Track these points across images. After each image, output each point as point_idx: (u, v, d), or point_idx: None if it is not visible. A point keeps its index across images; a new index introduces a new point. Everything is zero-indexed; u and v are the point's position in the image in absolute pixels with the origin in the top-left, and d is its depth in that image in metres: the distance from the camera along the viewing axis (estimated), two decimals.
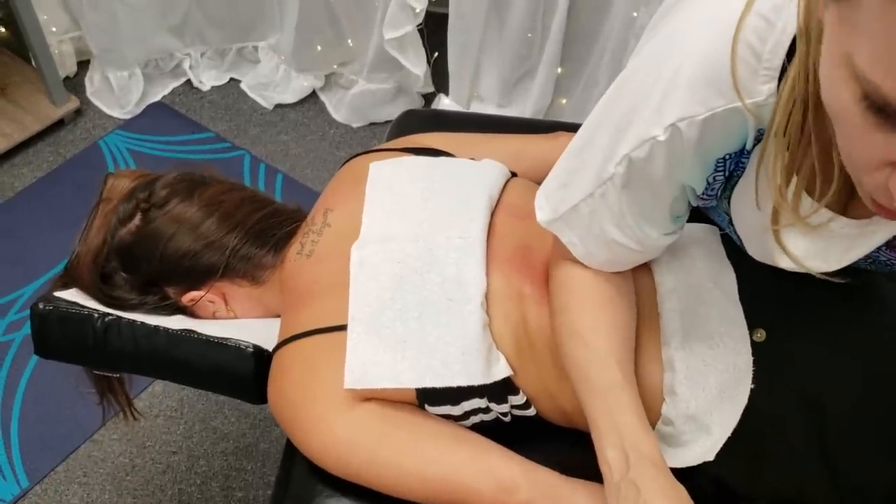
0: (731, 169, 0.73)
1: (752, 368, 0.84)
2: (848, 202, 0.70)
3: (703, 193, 0.77)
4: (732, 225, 0.80)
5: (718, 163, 0.72)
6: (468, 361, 0.88)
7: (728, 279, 0.89)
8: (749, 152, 0.70)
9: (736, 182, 0.74)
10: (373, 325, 0.91)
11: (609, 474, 0.77)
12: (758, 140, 0.68)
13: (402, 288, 0.93)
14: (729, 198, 0.76)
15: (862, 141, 0.50)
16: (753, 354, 0.84)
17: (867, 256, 0.74)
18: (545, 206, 0.85)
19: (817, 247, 0.71)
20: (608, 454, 0.78)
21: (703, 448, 0.85)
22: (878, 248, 0.72)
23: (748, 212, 0.74)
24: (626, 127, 0.71)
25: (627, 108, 0.72)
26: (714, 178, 0.74)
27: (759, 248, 0.78)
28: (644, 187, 0.75)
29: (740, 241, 0.81)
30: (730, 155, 0.71)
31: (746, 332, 0.86)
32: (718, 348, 0.85)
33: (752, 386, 0.83)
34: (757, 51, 0.61)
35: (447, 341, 0.89)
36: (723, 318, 0.87)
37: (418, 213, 1.00)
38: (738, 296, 0.88)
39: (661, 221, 0.80)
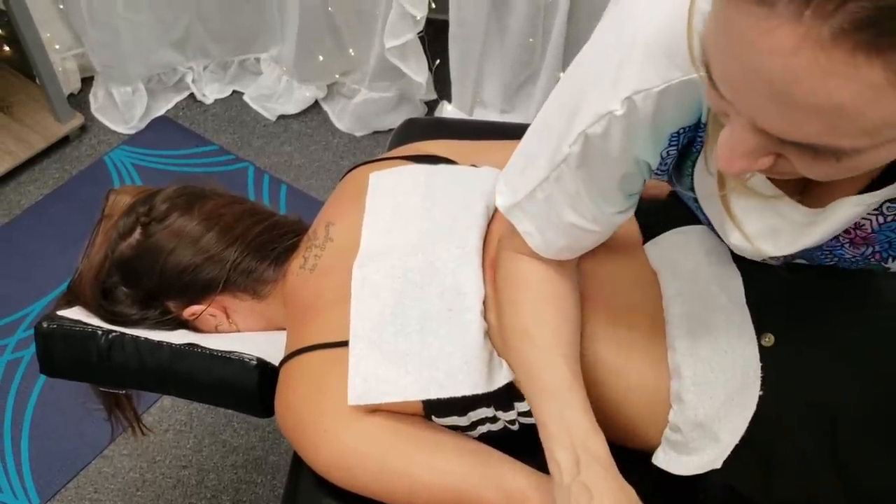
0: (684, 143, 0.72)
1: (760, 375, 0.83)
2: (804, 189, 0.70)
3: (657, 168, 0.76)
4: (698, 203, 0.79)
5: (672, 137, 0.71)
6: (471, 371, 0.88)
7: (734, 283, 0.88)
8: (704, 125, 0.69)
9: (696, 158, 0.73)
10: (374, 341, 0.91)
11: (559, 476, 0.78)
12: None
13: (402, 303, 0.93)
14: (692, 175, 0.76)
15: (709, 92, 0.54)
16: (762, 360, 0.83)
17: (830, 252, 0.73)
18: (504, 191, 0.85)
19: (767, 227, 0.70)
20: (557, 455, 0.78)
21: (710, 455, 0.84)
22: (841, 245, 0.72)
23: (706, 184, 0.74)
24: (580, 105, 0.71)
25: (581, 85, 0.72)
26: (667, 152, 0.73)
27: (718, 223, 0.77)
28: (600, 165, 0.74)
29: (707, 219, 0.80)
30: (683, 129, 0.70)
31: (754, 336, 0.84)
32: (726, 354, 0.84)
33: (761, 392, 0.82)
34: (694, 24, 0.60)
35: (449, 352, 0.89)
36: (730, 324, 0.86)
37: (418, 224, 1.00)
38: (745, 300, 0.87)
39: (616, 199, 0.79)
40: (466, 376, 0.88)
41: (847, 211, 0.66)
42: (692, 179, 0.76)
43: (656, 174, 0.78)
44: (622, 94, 0.67)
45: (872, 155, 0.50)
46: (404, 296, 0.93)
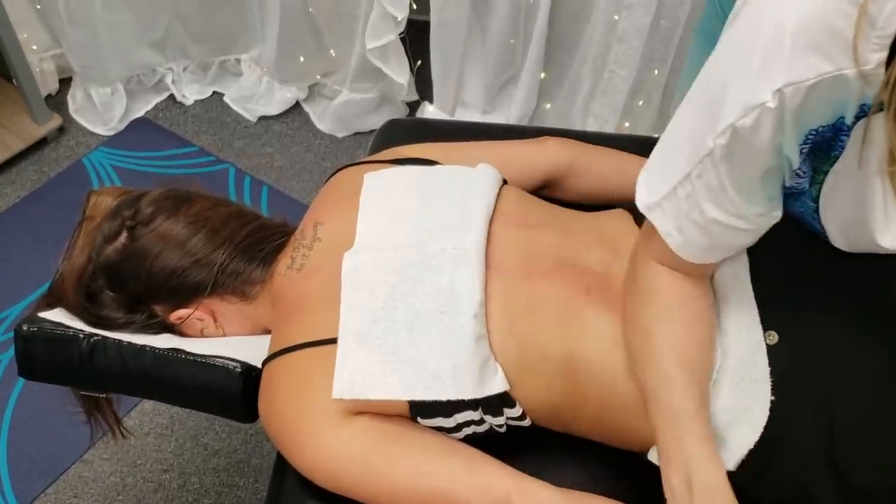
0: (817, 143, 0.71)
1: (769, 380, 0.83)
2: None
3: (798, 168, 0.74)
4: (818, 214, 0.78)
5: (810, 134, 0.70)
6: (459, 375, 0.88)
7: (742, 280, 0.88)
8: (849, 128, 0.68)
9: (833, 162, 0.72)
10: (363, 335, 0.91)
11: (672, 501, 0.78)
12: (858, 117, 0.66)
13: (393, 298, 0.92)
14: (821, 183, 0.75)
15: None
16: (770, 364, 0.83)
17: None
18: (644, 191, 0.83)
19: None
20: (673, 481, 0.78)
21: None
22: None
23: (849, 191, 0.72)
24: (726, 98, 0.69)
25: (725, 79, 0.70)
26: (803, 150, 0.72)
27: (853, 232, 0.75)
28: (746, 158, 0.72)
29: (823, 230, 0.79)
30: (822, 127, 0.69)
31: (762, 337, 0.85)
32: (734, 358, 0.85)
33: (773, 398, 0.83)
34: (872, 16, 0.59)
35: (438, 354, 0.89)
36: (737, 323, 0.86)
37: (413, 223, 0.99)
38: (753, 297, 0.87)
39: (759, 198, 0.77)
40: (454, 381, 0.88)
41: None
42: (819, 187, 0.75)
43: (797, 175, 0.76)
44: (774, 85, 0.65)
45: None
46: (396, 291, 0.92)
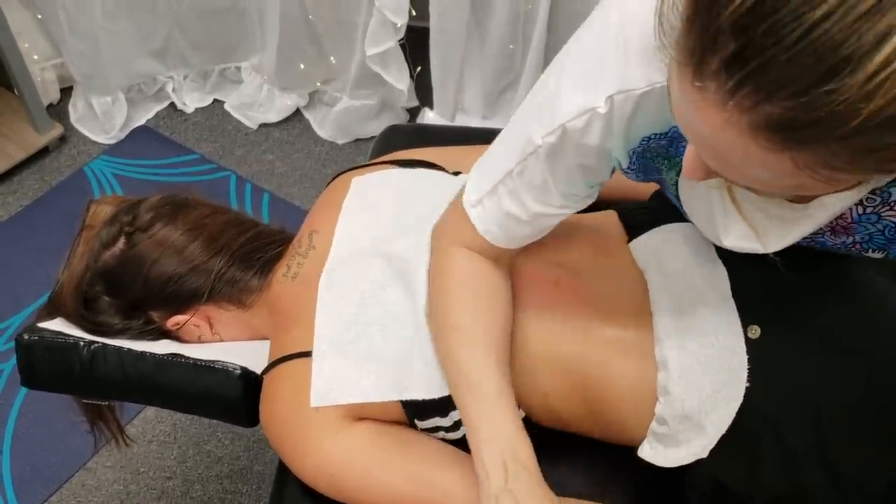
0: (651, 147, 0.73)
1: (746, 366, 0.84)
2: None
3: (626, 168, 0.77)
4: (684, 208, 0.80)
5: (643, 140, 0.72)
6: (433, 375, 0.89)
7: (720, 277, 0.89)
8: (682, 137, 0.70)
9: (679, 167, 0.74)
10: (336, 342, 0.92)
11: (486, 482, 0.79)
12: None
13: (364, 303, 0.94)
14: (676, 184, 0.77)
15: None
16: (748, 352, 0.84)
17: (812, 240, 0.74)
18: (472, 187, 0.86)
19: (760, 225, 0.72)
20: (486, 460, 0.79)
21: (697, 447, 0.84)
22: (823, 233, 0.73)
23: (697, 193, 0.75)
24: (558, 99, 0.72)
25: (560, 80, 0.72)
26: (635, 153, 0.74)
27: (707, 225, 0.78)
28: (572, 157, 0.75)
29: (693, 222, 0.81)
30: (654, 135, 0.71)
31: (740, 329, 0.85)
32: (713, 347, 0.85)
33: (748, 384, 0.83)
34: None
35: (410, 354, 0.90)
36: (716, 316, 0.87)
37: (388, 222, 1.01)
38: (730, 293, 0.88)
39: (580, 188, 0.80)
40: (428, 379, 0.89)
41: (833, 206, 0.67)
42: (677, 187, 0.77)
43: (625, 172, 0.79)
44: (606, 91, 0.68)
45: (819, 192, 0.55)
46: (367, 296, 0.94)
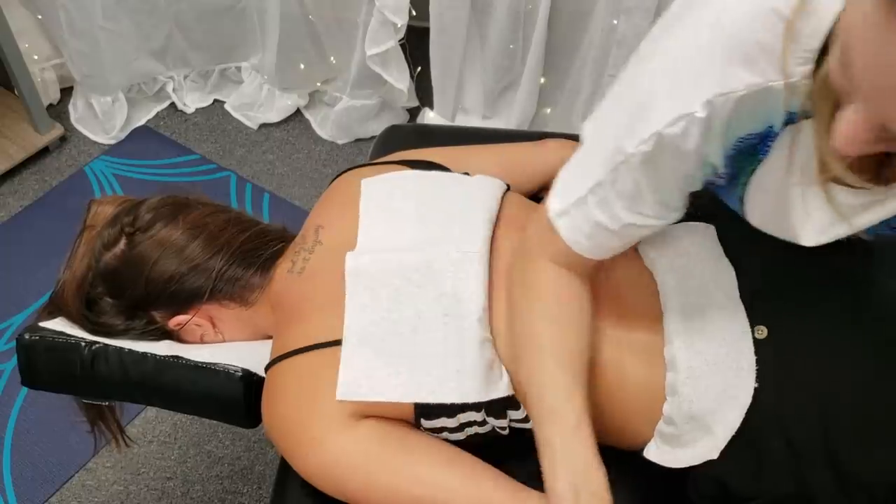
0: (745, 149, 0.72)
1: (755, 367, 0.83)
2: (873, 174, 0.69)
3: (720, 172, 0.76)
4: (744, 212, 0.79)
5: (738, 141, 0.71)
6: (462, 380, 0.88)
7: (727, 278, 0.89)
8: (776, 134, 0.69)
9: (756, 166, 0.73)
10: (367, 337, 0.91)
11: (556, 502, 0.79)
12: (786, 123, 0.68)
13: (398, 300, 0.92)
14: (745, 183, 0.76)
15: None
16: (756, 353, 0.84)
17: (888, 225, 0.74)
18: (555, 198, 0.84)
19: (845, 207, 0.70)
20: (558, 487, 0.79)
21: (704, 448, 0.84)
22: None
23: (772, 191, 0.74)
24: (651, 105, 0.70)
25: (652, 87, 0.71)
26: (730, 155, 0.73)
27: (774, 230, 0.77)
28: (669, 164, 0.73)
29: (746, 223, 0.80)
30: (750, 135, 0.70)
31: (748, 329, 0.85)
32: (721, 347, 0.85)
33: (756, 385, 0.83)
34: (798, 32, 0.61)
35: (442, 358, 0.89)
36: (725, 317, 0.87)
37: (414, 228, 0.99)
38: (738, 294, 0.88)
39: (674, 198, 0.78)
40: (458, 385, 0.88)
41: None
42: (744, 187, 0.76)
43: (719, 177, 0.77)
44: (703, 96, 0.67)
45: None
46: (400, 293, 0.92)
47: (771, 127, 0.69)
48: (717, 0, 0.67)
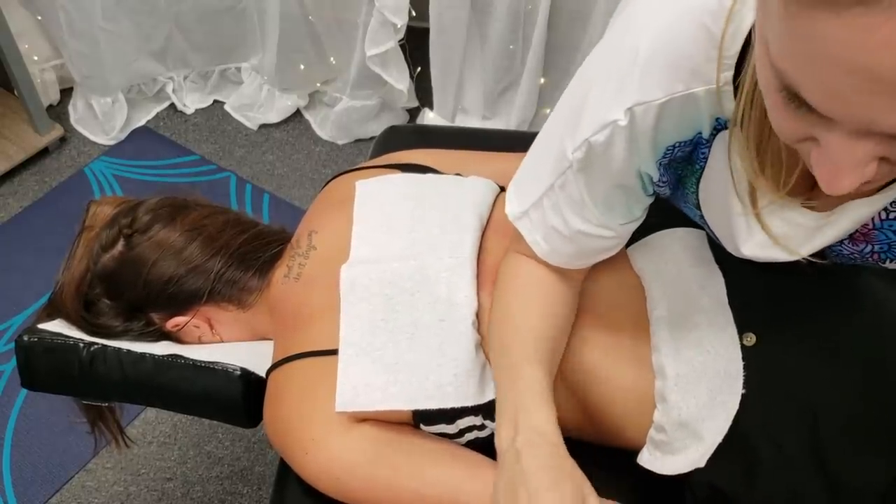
0: (677, 157, 0.72)
1: (742, 374, 0.83)
2: (810, 194, 0.69)
3: (658, 181, 0.76)
4: (704, 218, 0.79)
5: (667, 150, 0.71)
6: (460, 384, 0.88)
7: (717, 284, 0.89)
8: (707, 141, 0.69)
9: (699, 174, 0.73)
10: (364, 347, 0.91)
11: (498, 446, 0.78)
12: (716, 129, 0.68)
13: (393, 309, 0.92)
14: (695, 192, 0.76)
15: (783, 117, 0.51)
16: (744, 359, 0.84)
17: (830, 249, 0.74)
18: (513, 199, 0.85)
19: (783, 234, 0.70)
20: (502, 427, 0.79)
21: (695, 455, 0.84)
22: (841, 243, 0.72)
23: (716, 200, 0.74)
24: (584, 112, 0.71)
25: (585, 92, 0.72)
26: (662, 165, 0.74)
27: (725, 238, 0.77)
28: (602, 173, 0.74)
29: (712, 231, 0.80)
30: (679, 143, 0.70)
31: (736, 336, 0.85)
32: (709, 354, 0.85)
33: (743, 391, 0.83)
34: (717, 38, 0.61)
35: (440, 363, 0.89)
36: (712, 324, 0.87)
37: (408, 233, 0.99)
38: (727, 301, 0.88)
39: (620, 210, 0.79)
40: (455, 389, 0.88)
41: (857, 212, 0.66)
42: (696, 196, 0.76)
43: (658, 186, 0.77)
44: (625, 104, 0.67)
45: None
46: (395, 302, 0.93)
47: (699, 133, 0.69)
48: (642, 7, 0.67)
